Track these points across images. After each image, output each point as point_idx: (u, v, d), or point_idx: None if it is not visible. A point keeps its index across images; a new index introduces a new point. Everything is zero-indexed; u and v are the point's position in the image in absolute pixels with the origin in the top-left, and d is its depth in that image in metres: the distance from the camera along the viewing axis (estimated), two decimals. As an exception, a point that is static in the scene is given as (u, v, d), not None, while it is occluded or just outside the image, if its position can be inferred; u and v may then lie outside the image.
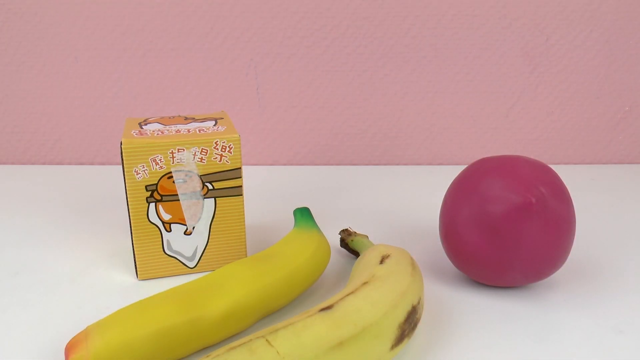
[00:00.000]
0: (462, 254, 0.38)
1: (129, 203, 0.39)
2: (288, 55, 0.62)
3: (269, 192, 0.58)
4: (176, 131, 0.40)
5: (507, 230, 0.36)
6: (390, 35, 0.61)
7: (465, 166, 0.57)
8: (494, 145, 0.66)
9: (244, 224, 0.42)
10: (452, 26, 0.61)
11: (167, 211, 0.40)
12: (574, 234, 0.37)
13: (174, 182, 0.39)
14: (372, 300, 0.31)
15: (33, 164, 0.66)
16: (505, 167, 0.37)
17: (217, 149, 0.39)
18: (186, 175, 0.39)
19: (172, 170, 0.39)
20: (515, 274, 0.37)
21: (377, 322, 0.30)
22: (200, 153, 0.39)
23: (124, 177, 0.38)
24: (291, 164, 0.66)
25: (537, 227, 0.35)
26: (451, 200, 0.39)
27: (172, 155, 0.38)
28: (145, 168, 0.38)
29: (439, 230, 0.40)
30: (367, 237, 0.44)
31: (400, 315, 0.31)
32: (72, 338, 0.31)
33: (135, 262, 0.41)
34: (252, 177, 0.62)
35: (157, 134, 0.39)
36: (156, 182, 0.39)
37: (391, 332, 0.30)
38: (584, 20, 0.61)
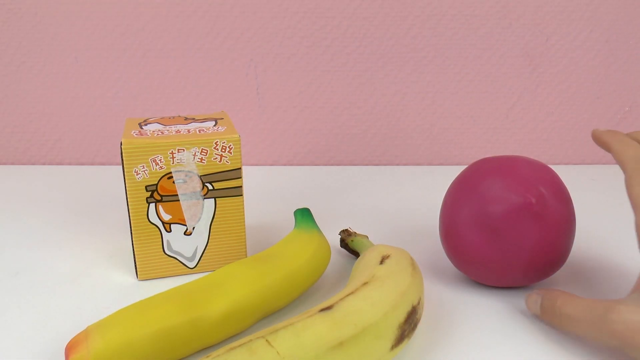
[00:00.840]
0: (462, 255, 0.38)
1: (129, 203, 0.39)
2: (288, 55, 0.62)
3: (269, 192, 0.58)
4: (176, 131, 0.40)
5: (507, 231, 0.36)
6: (390, 35, 0.61)
7: (465, 166, 0.57)
8: (494, 145, 0.66)
9: (244, 224, 0.42)
10: (452, 26, 0.61)
11: (167, 211, 0.40)
12: (574, 234, 0.37)
13: (174, 182, 0.39)
14: (372, 301, 0.31)
15: (33, 164, 0.66)
16: (506, 167, 0.37)
17: (217, 149, 0.39)
18: (186, 176, 0.39)
19: (172, 170, 0.39)
20: (515, 274, 0.37)
21: (377, 322, 0.30)
22: (200, 153, 0.39)
23: (124, 177, 0.38)
24: (291, 164, 0.66)
25: (537, 227, 0.36)
26: (451, 200, 0.39)
27: (172, 155, 0.38)
28: (145, 168, 0.38)
29: (439, 230, 0.40)
30: (367, 237, 0.44)
31: (400, 315, 0.31)
32: (73, 338, 0.31)
33: (135, 263, 0.41)
34: (252, 177, 0.62)
35: (157, 134, 0.39)
36: (156, 183, 0.39)
37: (391, 333, 0.30)
38: (584, 20, 0.61)
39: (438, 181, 0.61)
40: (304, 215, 0.42)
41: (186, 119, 0.43)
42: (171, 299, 0.33)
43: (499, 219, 0.36)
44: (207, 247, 0.41)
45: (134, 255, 0.40)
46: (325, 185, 0.59)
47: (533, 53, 0.62)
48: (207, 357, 0.27)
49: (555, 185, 0.37)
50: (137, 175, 0.38)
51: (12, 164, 0.66)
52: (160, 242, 0.40)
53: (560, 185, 0.37)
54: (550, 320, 0.34)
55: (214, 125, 0.41)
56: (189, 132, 0.40)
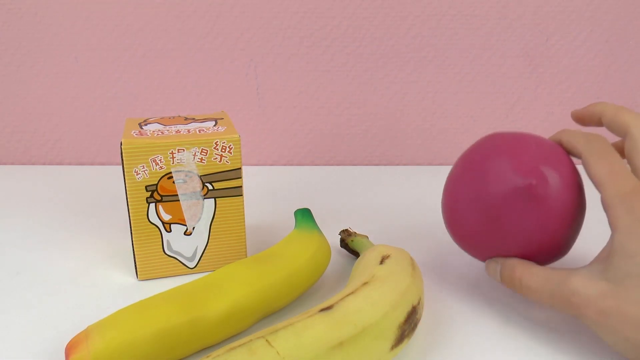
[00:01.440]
0: (462, 235, 0.37)
1: (129, 203, 0.39)
2: (288, 55, 0.62)
3: (269, 192, 0.58)
4: (176, 131, 0.40)
5: (505, 213, 0.34)
6: (390, 35, 0.61)
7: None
8: (494, 145, 0.65)
9: (244, 225, 0.42)
10: (452, 26, 0.61)
11: (167, 211, 0.40)
12: (580, 224, 0.35)
13: (174, 182, 0.39)
14: (372, 301, 0.31)
15: (33, 164, 0.66)
16: (511, 145, 0.35)
17: (217, 149, 0.39)
18: (186, 176, 0.39)
19: (172, 170, 0.39)
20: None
21: (377, 322, 0.30)
22: (200, 153, 0.39)
23: (124, 177, 0.38)
24: (291, 164, 0.66)
25: (536, 211, 0.33)
26: (454, 177, 0.37)
27: (172, 155, 0.38)
28: (145, 168, 0.38)
29: (441, 205, 0.38)
30: (367, 237, 0.44)
31: (400, 315, 0.31)
32: (73, 338, 0.31)
33: (135, 263, 0.41)
34: (252, 177, 0.62)
35: (157, 134, 0.39)
36: (156, 183, 0.39)
37: (391, 333, 0.30)
38: (584, 20, 0.61)
39: (438, 181, 0.61)
40: (304, 215, 0.42)
41: (186, 119, 0.43)
42: (171, 299, 0.33)
43: (496, 201, 0.34)
44: (207, 247, 0.41)
45: (134, 255, 0.40)
46: (325, 185, 0.59)
47: (533, 53, 0.62)
48: (207, 357, 0.27)
49: (564, 167, 0.34)
50: (137, 175, 0.38)
51: (12, 164, 0.66)
52: (160, 242, 0.40)
53: (570, 168, 0.34)
54: (511, 288, 0.36)
55: (214, 125, 0.41)
56: (189, 132, 0.40)
